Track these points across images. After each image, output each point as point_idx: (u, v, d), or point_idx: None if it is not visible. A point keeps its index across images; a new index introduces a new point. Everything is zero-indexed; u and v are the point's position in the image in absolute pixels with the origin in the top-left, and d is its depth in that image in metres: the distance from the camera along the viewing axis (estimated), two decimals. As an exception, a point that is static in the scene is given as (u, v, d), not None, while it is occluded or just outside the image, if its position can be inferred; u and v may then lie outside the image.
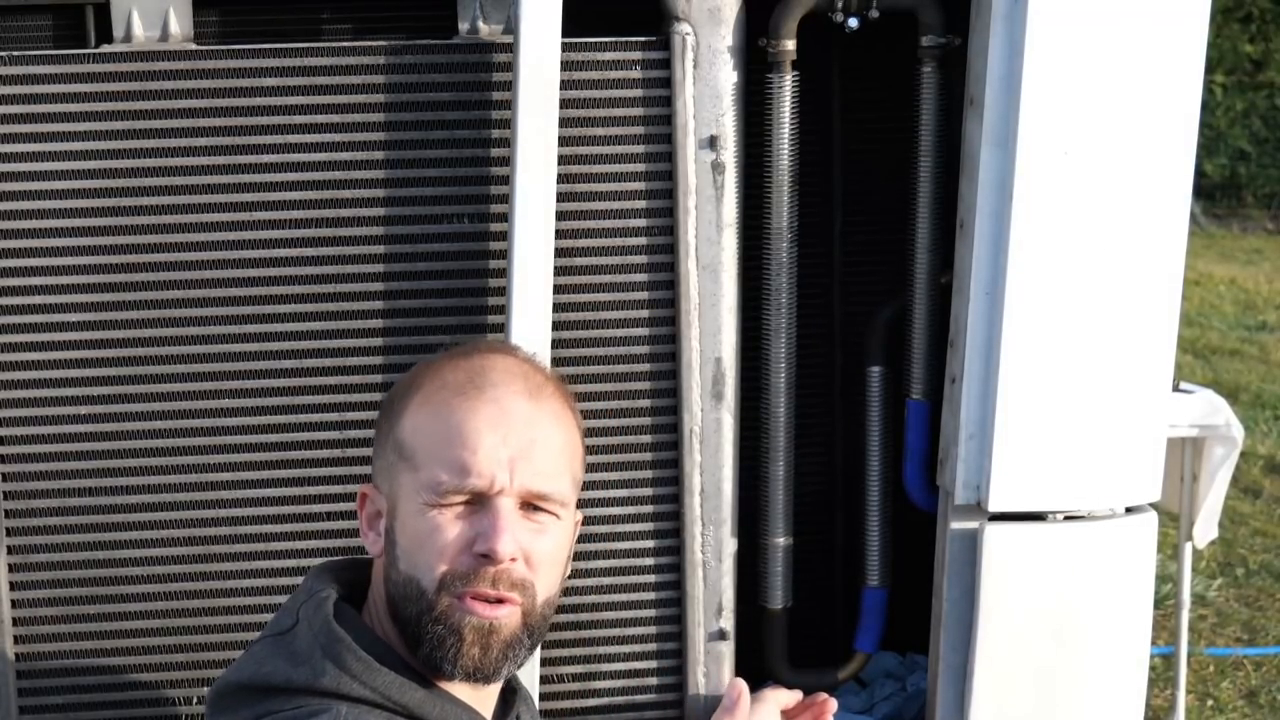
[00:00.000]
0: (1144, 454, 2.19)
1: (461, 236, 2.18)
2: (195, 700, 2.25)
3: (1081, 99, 2.08)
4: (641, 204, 2.19)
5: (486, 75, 2.15)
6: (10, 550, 2.19)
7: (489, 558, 1.54)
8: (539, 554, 1.58)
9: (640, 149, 2.17)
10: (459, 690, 1.59)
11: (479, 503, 1.55)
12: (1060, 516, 2.19)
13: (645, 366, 2.22)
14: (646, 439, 2.23)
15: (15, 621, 2.20)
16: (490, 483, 1.54)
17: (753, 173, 2.26)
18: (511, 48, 2.09)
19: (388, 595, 1.58)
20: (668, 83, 2.16)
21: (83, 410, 2.17)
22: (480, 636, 1.54)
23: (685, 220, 2.18)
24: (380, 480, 1.61)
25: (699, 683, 2.29)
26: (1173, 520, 3.79)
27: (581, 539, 1.82)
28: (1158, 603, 4.06)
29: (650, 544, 2.26)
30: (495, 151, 2.16)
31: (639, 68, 2.16)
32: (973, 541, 2.19)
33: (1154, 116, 2.10)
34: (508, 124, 2.13)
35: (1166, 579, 4.56)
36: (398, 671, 1.53)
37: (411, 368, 1.69)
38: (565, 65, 2.10)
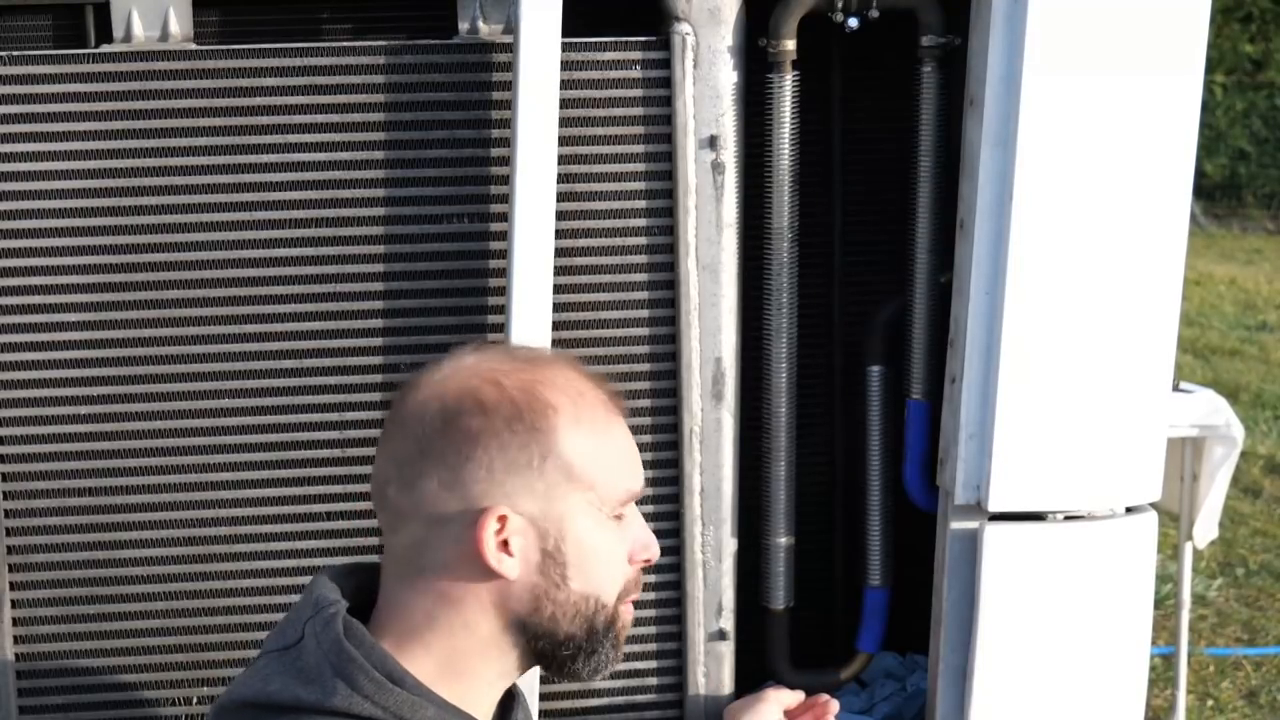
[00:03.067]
0: (1144, 454, 2.19)
1: (461, 236, 2.18)
2: (195, 700, 2.25)
3: (1081, 99, 2.08)
4: (641, 204, 2.19)
5: (486, 75, 2.15)
6: (10, 550, 2.19)
7: (649, 562, 1.64)
8: None
9: (640, 149, 2.17)
10: (474, 702, 1.59)
11: (628, 513, 1.63)
12: (1060, 516, 2.19)
13: (645, 366, 2.22)
14: (646, 439, 2.23)
15: (15, 621, 2.20)
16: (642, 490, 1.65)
17: (753, 173, 2.26)
18: (511, 48, 2.09)
19: (541, 616, 1.58)
20: (668, 83, 2.16)
21: (83, 410, 2.17)
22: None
23: (685, 220, 2.18)
24: (522, 501, 1.55)
25: (699, 683, 2.29)
26: (1173, 520, 3.79)
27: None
28: (1158, 603, 4.06)
29: (650, 544, 2.25)
30: (495, 151, 2.16)
31: (639, 68, 2.16)
32: (973, 541, 2.19)
33: (1154, 116, 2.10)
34: (508, 124, 2.13)
35: (1166, 579, 4.56)
36: (406, 688, 1.52)
37: (494, 389, 1.55)
38: (565, 65, 2.10)
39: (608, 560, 1.59)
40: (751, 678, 2.35)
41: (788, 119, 2.25)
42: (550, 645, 1.58)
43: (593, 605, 1.58)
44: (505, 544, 1.54)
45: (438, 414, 1.52)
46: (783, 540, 2.36)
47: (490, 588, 1.55)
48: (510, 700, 1.73)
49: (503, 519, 1.53)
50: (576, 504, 1.56)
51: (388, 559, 1.59)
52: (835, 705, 2.03)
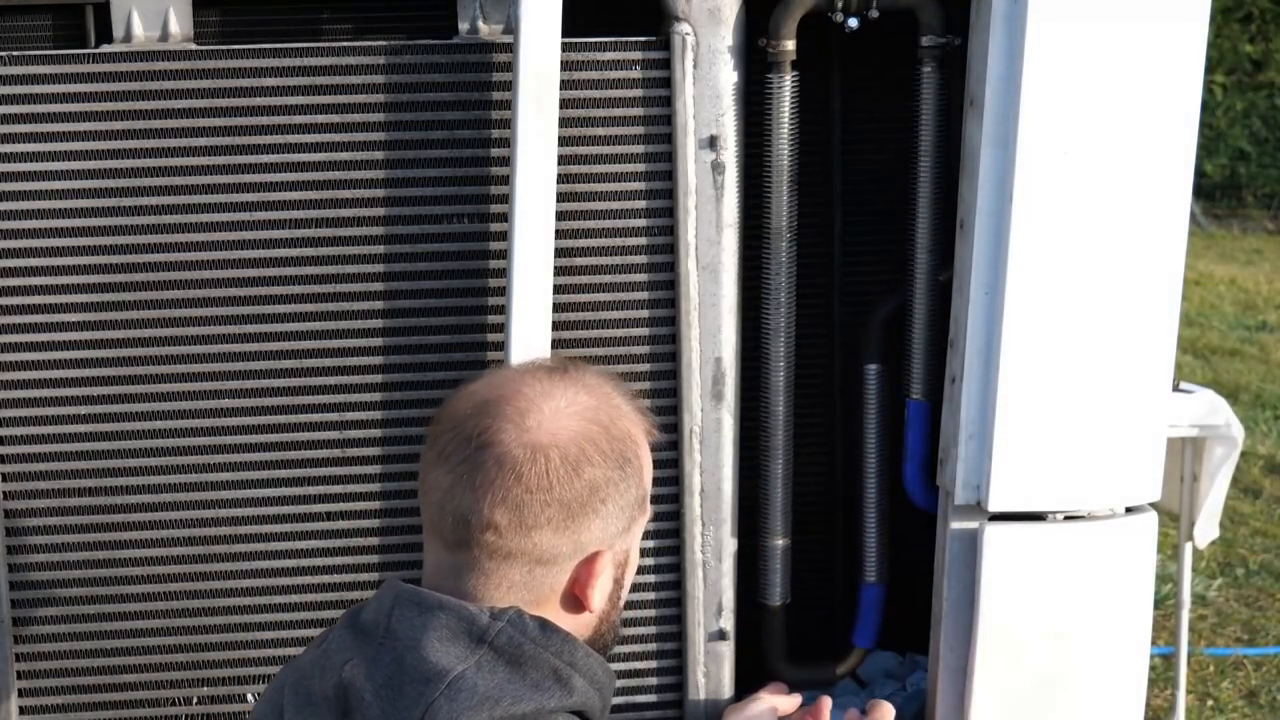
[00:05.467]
0: (1144, 454, 2.19)
1: (461, 236, 2.18)
2: (195, 700, 2.25)
3: (1081, 99, 2.08)
4: (641, 204, 2.19)
5: (486, 75, 2.15)
6: (10, 550, 2.19)
7: None
8: None
9: (640, 149, 2.17)
10: None
11: None
12: (1060, 516, 2.19)
13: (645, 366, 2.22)
14: (647, 439, 2.22)
15: (15, 621, 2.20)
16: None
17: (753, 173, 2.26)
18: (511, 48, 2.09)
19: (597, 635, 1.60)
20: (668, 83, 2.16)
21: (83, 410, 2.17)
22: None
23: (685, 220, 2.18)
24: (619, 540, 1.57)
25: (699, 683, 2.29)
26: (1173, 520, 3.79)
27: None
28: (1158, 603, 4.06)
29: (650, 544, 2.26)
30: (495, 151, 2.16)
31: (639, 68, 2.16)
32: (973, 541, 2.19)
33: (1154, 116, 2.10)
34: (508, 124, 2.13)
35: (1166, 579, 4.56)
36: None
37: (605, 435, 1.55)
38: (565, 65, 2.10)
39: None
40: (748, 673, 2.35)
41: (787, 119, 2.25)
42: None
43: (620, 612, 1.61)
44: (598, 581, 1.55)
45: (560, 465, 1.50)
46: (779, 540, 2.36)
47: (571, 619, 1.56)
48: None
49: (602, 559, 1.55)
50: (638, 529, 1.58)
51: (468, 586, 1.53)
52: (828, 702, 2.03)
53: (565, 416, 1.52)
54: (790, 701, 2.09)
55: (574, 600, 1.54)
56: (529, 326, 2.09)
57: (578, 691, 1.49)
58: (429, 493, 1.54)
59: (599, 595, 1.55)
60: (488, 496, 1.49)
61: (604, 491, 1.52)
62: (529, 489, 1.49)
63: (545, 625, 1.50)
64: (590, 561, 1.53)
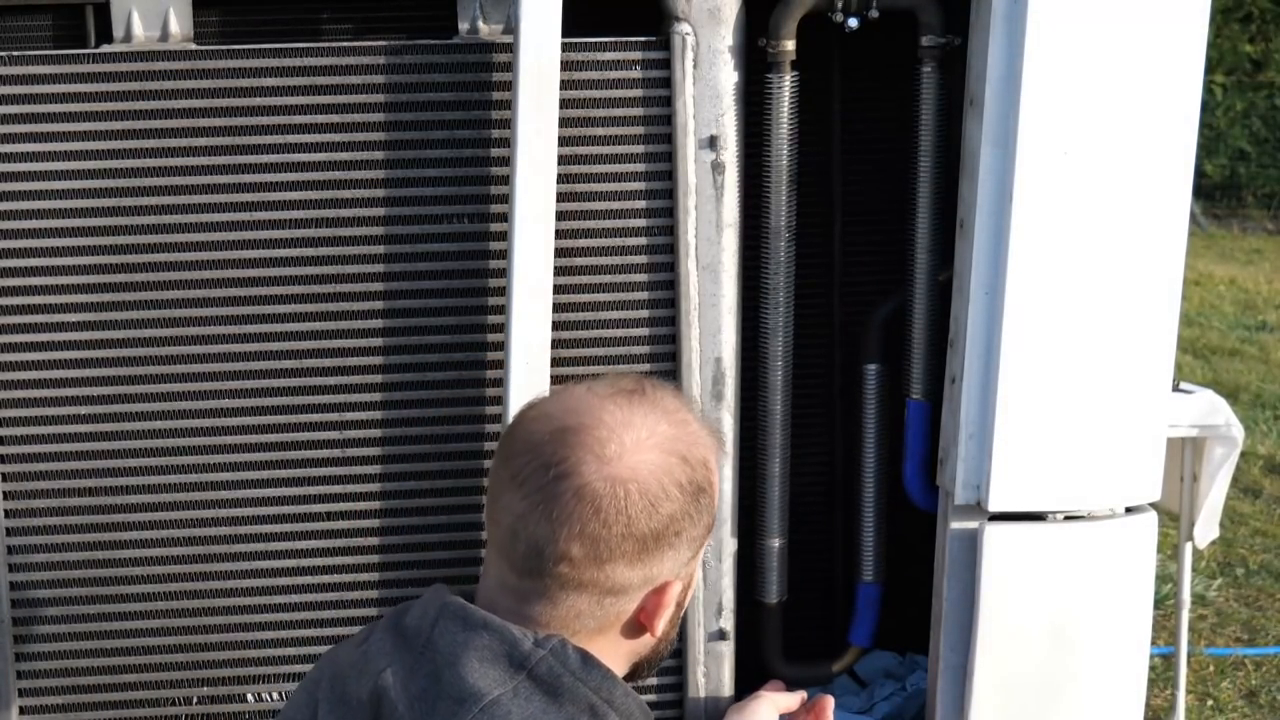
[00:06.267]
0: (1144, 454, 2.19)
1: (461, 236, 2.18)
2: (195, 700, 2.25)
3: (1081, 99, 2.08)
4: (641, 204, 2.19)
5: (486, 75, 2.15)
6: (10, 550, 2.19)
7: None
8: None
9: (640, 149, 2.17)
10: None
11: None
12: (1060, 516, 2.19)
13: (645, 366, 2.22)
14: (646, 439, 2.22)
15: (15, 621, 2.20)
16: None
17: (753, 173, 2.26)
18: (511, 48, 2.09)
19: (654, 653, 1.60)
20: (668, 83, 2.16)
21: (83, 410, 2.17)
22: None
23: (685, 220, 2.18)
24: (685, 569, 1.57)
25: (699, 683, 2.29)
26: (1173, 520, 3.78)
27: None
28: (1158, 603, 4.06)
29: (650, 544, 2.25)
30: (495, 151, 2.16)
31: (639, 68, 2.16)
32: (973, 541, 2.19)
33: (1154, 116, 2.10)
34: (508, 124, 2.13)
35: (1166, 579, 4.55)
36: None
37: (683, 467, 1.54)
38: (565, 65, 2.10)
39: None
40: (745, 670, 2.35)
41: (787, 119, 2.25)
42: (647, 670, 1.60)
43: (675, 629, 1.60)
44: (665, 611, 1.54)
45: (639, 499, 1.48)
46: (776, 538, 2.36)
47: (631, 643, 1.56)
48: None
49: (672, 588, 1.54)
50: (702, 553, 1.58)
51: (534, 611, 1.51)
52: (830, 701, 2.03)
53: (645, 448, 1.51)
54: (792, 699, 2.09)
55: (638, 627, 1.54)
56: (529, 326, 2.09)
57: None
58: (499, 514, 1.53)
59: (663, 622, 1.55)
60: (564, 529, 1.47)
61: (679, 524, 1.52)
62: (607, 523, 1.48)
63: (587, 659, 1.49)
64: (660, 591, 1.53)
